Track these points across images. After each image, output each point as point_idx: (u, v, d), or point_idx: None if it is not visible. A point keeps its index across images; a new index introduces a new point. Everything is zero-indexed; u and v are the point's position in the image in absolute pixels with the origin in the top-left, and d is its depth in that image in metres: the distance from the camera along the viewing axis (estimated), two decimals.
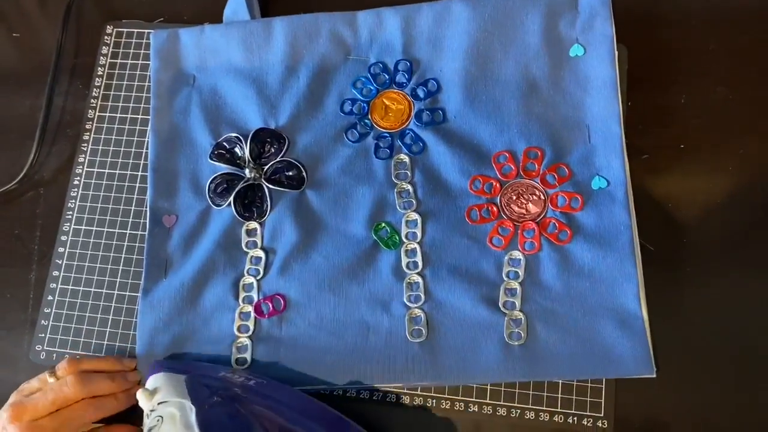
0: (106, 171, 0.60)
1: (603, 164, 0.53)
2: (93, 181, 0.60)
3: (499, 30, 0.56)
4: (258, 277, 0.54)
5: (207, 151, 0.58)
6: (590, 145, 0.54)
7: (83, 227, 0.59)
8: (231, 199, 0.56)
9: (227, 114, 0.59)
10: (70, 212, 0.59)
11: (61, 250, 0.59)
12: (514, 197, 0.54)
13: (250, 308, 0.54)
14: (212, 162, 0.57)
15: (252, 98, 0.58)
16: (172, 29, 0.61)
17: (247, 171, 0.56)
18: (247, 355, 0.52)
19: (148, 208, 0.57)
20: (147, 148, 0.59)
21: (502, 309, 0.51)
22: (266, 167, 0.57)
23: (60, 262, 0.58)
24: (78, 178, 0.60)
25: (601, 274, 0.51)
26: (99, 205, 0.59)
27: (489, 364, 0.50)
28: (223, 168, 0.57)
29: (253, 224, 0.56)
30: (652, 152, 0.55)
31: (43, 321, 0.57)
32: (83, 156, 0.61)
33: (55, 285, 0.58)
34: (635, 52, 0.57)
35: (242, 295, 0.54)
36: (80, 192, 0.60)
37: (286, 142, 0.57)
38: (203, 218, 0.57)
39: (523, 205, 0.53)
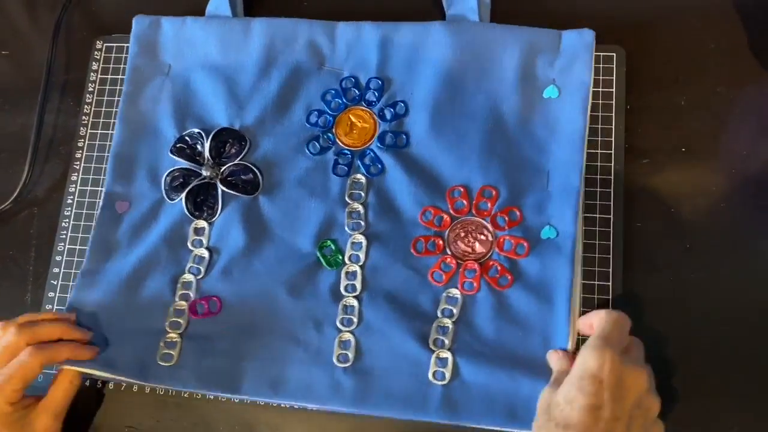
0: (100, 189, 0.59)
1: (555, 213, 0.52)
2: (86, 200, 0.59)
3: (475, 61, 0.55)
4: (198, 277, 0.54)
5: (170, 143, 0.58)
6: (547, 192, 0.52)
7: (78, 247, 0.58)
8: (183, 195, 0.56)
9: (195, 108, 0.58)
10: (64, 231, 0.59)
11: (56, 270, 0.58)
12: (462, 234, 0.52)
13: (185, 306, 0.54)
14: (172, 156, 0.57)
15: (221, 95, 0.58)
16: (155, 16, 0.60)
17: (203, 169, 0.56)
18: (174, 352, 0.52)
19: (103, 192, 0.57)
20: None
21: (431, 346, 0.50)
22: (224, 168, 0.56)
23: (55, 283, 0.58)
24: (71, 196, 0.60)
25: (535, 326, 0.50)
26: (93, 224, 0.57)
27: (409, 399, 0.49)
28: (182, 163, 0.57)
29: (202, 223, 0.56)
30: (653, 155, 0.54)
31: None
32: (76, 174, 0.60)
33: (51, 306, 0.57)
34: (634, 54, 0.55)
35: (180, 291, 0.54)
36: (74, 211, 0.59)
37: (248, 145, 0.57)
38: (155, 209, 0.57)
39: (470, 244, 0.52)
